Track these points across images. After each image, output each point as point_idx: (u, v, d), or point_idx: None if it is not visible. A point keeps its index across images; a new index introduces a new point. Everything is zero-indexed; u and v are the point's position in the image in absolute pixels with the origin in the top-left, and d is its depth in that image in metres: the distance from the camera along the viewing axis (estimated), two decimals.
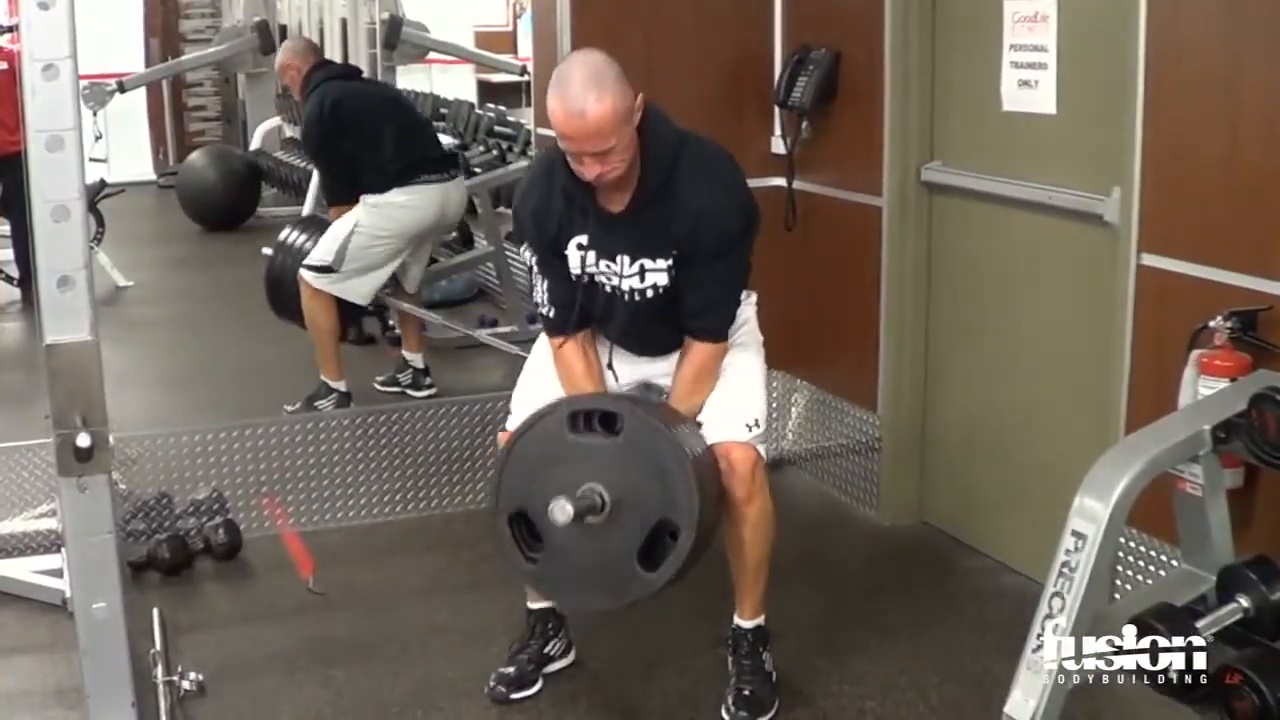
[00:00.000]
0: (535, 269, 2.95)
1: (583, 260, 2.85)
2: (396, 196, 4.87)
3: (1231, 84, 2.79)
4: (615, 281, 2.85)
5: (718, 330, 2.90)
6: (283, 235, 5.10)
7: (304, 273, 4.83)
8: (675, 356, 2.97)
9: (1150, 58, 2.94)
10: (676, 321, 2.91)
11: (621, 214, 2.79)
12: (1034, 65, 3.40)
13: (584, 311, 2.93)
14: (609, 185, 2.74)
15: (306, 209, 5.63)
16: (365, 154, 4.86)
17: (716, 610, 3.11)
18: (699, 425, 2.90)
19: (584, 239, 2.84)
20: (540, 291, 2.95)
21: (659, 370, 3.03)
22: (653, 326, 2.94)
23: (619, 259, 2.83)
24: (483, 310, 6.63)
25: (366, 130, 4.87)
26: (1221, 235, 2.84)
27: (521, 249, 2.98)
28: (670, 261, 2.81)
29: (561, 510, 2.58)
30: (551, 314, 2.94)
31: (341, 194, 4.97)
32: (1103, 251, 3.19)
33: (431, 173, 4.98)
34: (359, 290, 4.87)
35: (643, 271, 2.82)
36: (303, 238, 5.02)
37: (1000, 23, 3.49)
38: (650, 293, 2.84)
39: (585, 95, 2.59)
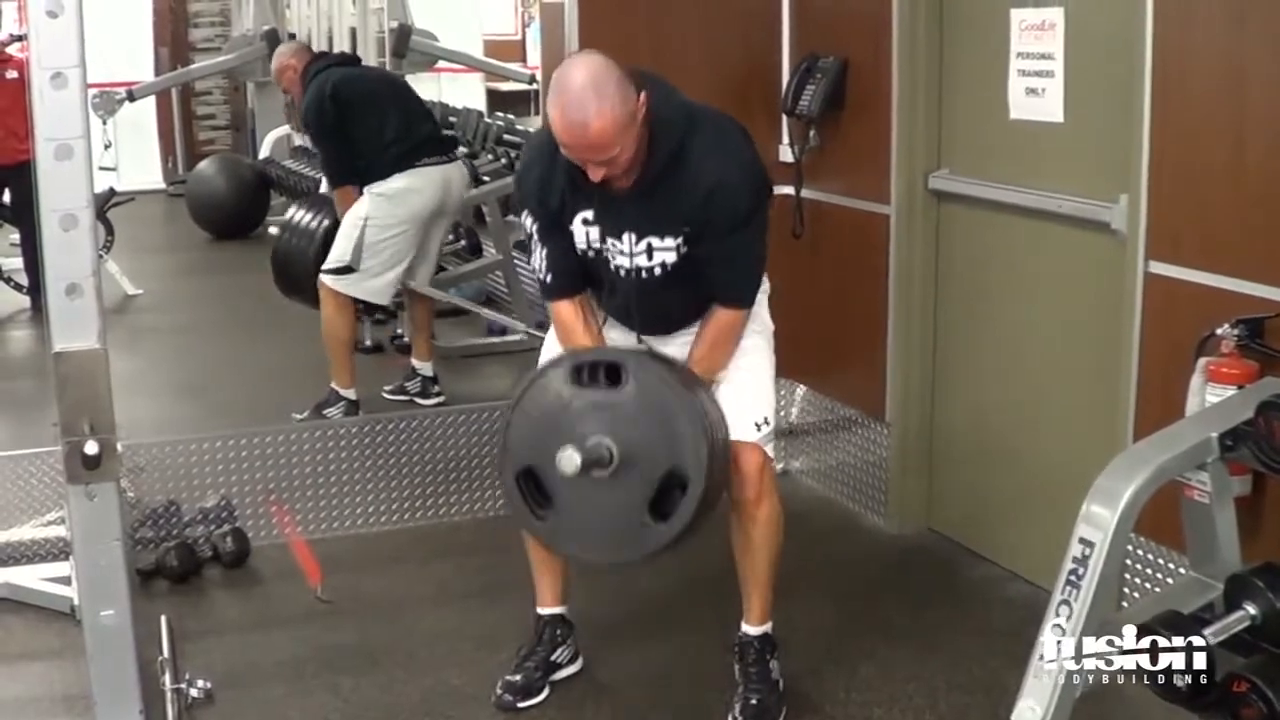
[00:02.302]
0: (535, 236, 2.88)
1: (588, 235, 2.82)
2: (399, 181, 4.87)
3: (1238, 91, 2.79)
4: (621, 260, 2.81)
5: (741, 298, 2.86)
6: (289, 214, 5.09)
7: (324, 278, 4.84)
8: (680, 337, 2.94)
9: (1157, 66, 2.94)
10: (697, 294, 2.86)
11: (628, 192, 2.73)
12: (1041, 74, 3.40)
13: (584, 276, 2.90)
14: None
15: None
16: (366, 137, 4.86)
17: (724, 618, 3.11)
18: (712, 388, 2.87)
19: (589, 214, 2.79)
20: (539, 258, 2.89)
21: (663, 350, 3.01)
22: (658, 305, 2.89)
23: (625, 237, 2.78)
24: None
25: (367, 112, 4.87)
26: (1229, 243, 2.84)
27: (522, 216, 2.90)
28: (680, 239, 2.76)
29: (569, 460, 2.55)
30: (549, 279, 2.90)
31: (344, 175, 4.95)
32: (1110, 259, 3.18)
33: (432, 155, 4.99)
34: (378, 289, 4.89)
35: (650, 250, 2.78)
36: (309, 215, 5.01)
37: (1007, 31, 3.49)
38: (658, 270, 2.80)
39: (585, 107, 2.53)
